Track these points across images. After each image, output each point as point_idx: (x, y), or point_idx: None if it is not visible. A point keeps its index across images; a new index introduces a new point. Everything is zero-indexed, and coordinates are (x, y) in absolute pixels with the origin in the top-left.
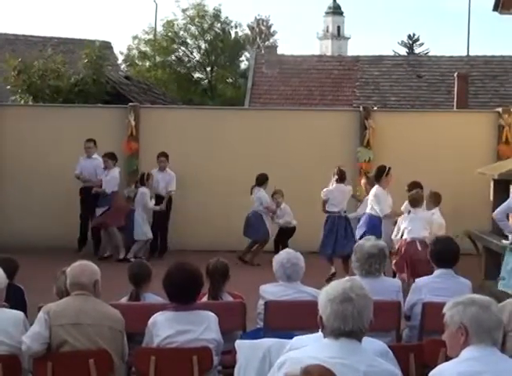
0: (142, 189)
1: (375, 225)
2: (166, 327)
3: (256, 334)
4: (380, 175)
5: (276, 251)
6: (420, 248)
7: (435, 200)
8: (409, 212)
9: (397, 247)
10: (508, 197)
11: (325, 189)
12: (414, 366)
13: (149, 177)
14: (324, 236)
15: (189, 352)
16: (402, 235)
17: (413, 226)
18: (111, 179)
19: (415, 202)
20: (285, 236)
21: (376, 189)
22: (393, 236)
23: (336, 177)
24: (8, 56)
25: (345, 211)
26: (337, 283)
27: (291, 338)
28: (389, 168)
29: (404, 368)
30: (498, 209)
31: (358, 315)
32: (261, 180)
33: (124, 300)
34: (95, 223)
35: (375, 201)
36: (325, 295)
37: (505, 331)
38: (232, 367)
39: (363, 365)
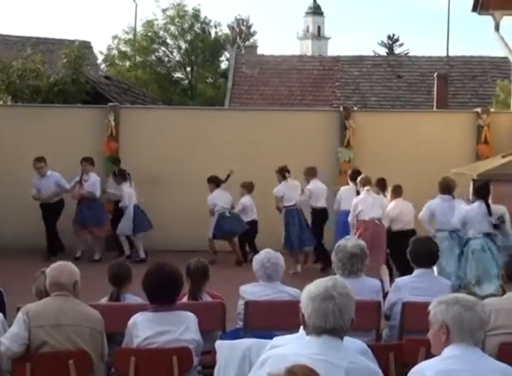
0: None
1: None
2: (145, 328)
3: (236, 335)
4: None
5: (242, 249)
6: (377, 224)
7: (397, 192)
8: (362, 193)
9: (355, 229)
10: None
11: (276, 188)
12: (394, 365)
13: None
14: (287, 231)
15: (168, 352)
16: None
17: (368, 207)
18: (96, 182)
19: (367, 184)
20: (250, 232)
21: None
22: None
23: (279, 175)
24: None
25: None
26: (319, 281)
27: (271, 338)
28: None
29: (384, 367)
30: (423, 211)
31: (339, 313)
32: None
33: (104, 300)
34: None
35: None
36: (307, 293)
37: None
38: (211, 368)
39: (345, 362)
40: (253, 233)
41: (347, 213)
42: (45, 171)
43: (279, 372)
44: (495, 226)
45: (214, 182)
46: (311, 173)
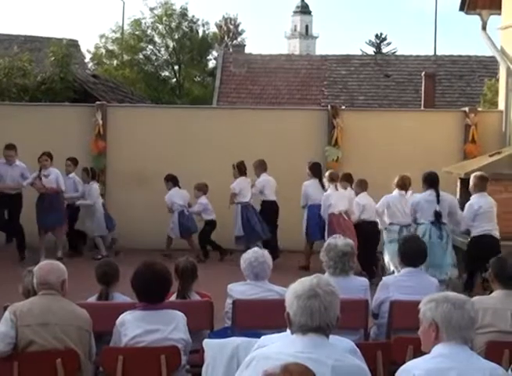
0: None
1: None
2: (134, 327)
3: (224, 333)
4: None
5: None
6: (346, 218)
7: (363, 186)
8: (330, 188)
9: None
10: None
11: (233, 184)
12: (382, 363)
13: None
14: (248, 226)
15: (156, 351)
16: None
17: (337, 200)
18: (59, 176)
19: (335, 180)
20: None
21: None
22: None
23: (236, 170)
24: None
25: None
26: (304, 279)
27: (259, 336)
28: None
29: (372, 366)
30: (379, 204)
31: (325, 311)
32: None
33: (92, 299)
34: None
35: None
36: (292, 292)
37: None
38: (199, 366)
39: (331, 359)
40: (212, 231)
41: (318, 206)
42: (14, 160)
43: (275, 370)
44: (437, 213)
45: (171, 180)
46: (262, 166)
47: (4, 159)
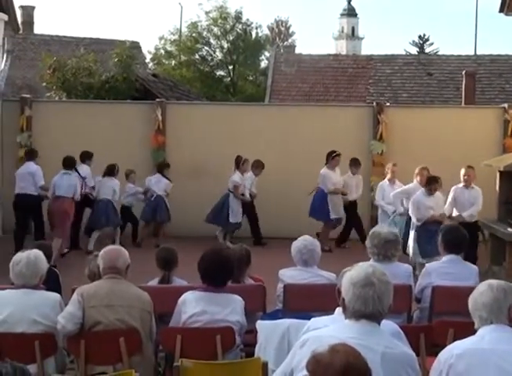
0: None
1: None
2: (193, 305)
3: (275, 315)
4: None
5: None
6: None
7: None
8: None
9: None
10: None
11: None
12: (424, 345)
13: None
14: None
15: (212, 331)
16: None
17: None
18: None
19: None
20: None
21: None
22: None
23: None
24: (44, 55)
25: None
26: (359, 267)
27: (308, 318)
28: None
29: (415, 347)
30: (396, 191)
31: (378, 299)
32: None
33: (153, 282)
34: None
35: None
36: (348, 279)
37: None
38: (253, 346)
39: (381, 346)
40: None
41: None
42: None
43: (323, 350)
44: None
45: (106, 169)
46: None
47: None
